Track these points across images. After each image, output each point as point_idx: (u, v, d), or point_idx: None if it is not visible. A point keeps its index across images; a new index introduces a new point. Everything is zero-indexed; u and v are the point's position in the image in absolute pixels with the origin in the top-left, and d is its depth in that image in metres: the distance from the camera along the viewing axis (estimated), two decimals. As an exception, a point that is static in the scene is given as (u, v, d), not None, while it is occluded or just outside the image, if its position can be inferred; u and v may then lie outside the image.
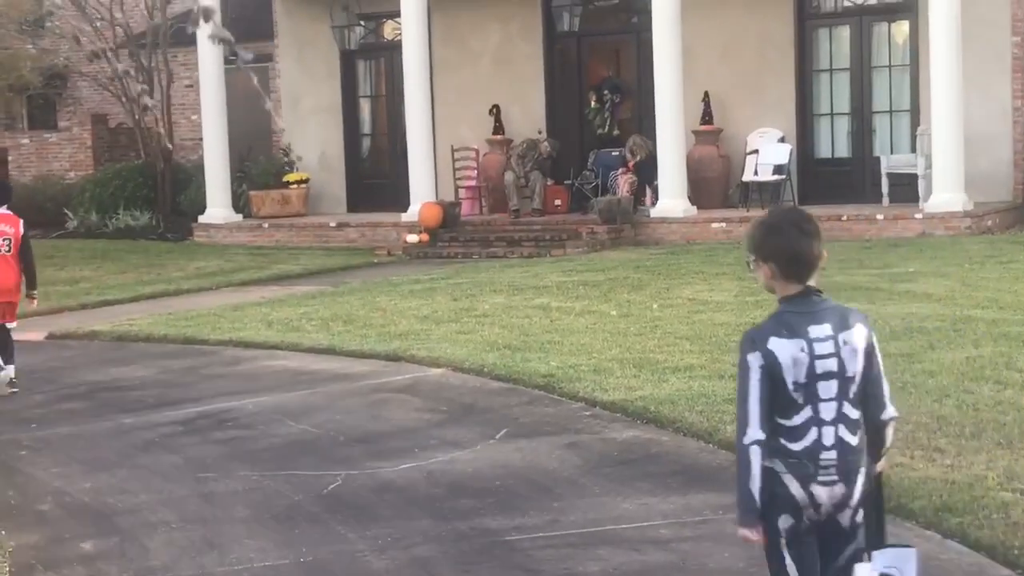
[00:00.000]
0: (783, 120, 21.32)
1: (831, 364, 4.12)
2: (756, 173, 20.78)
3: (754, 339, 4.17)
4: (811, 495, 4.11)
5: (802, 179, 21.14)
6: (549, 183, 22.17)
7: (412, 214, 21.35)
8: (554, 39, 23.33)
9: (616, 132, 22.88)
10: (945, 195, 18.54)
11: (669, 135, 20.02)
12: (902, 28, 20.91)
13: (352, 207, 24.64)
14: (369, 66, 25.31)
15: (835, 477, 4.11)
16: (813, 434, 4.11)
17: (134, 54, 25.68)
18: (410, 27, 21.60)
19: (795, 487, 4.12)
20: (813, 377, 4.11)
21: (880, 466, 4.30)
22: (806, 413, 4.12)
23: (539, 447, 8.32)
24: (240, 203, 23.90)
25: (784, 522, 4.14)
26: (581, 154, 23.07)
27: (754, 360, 4.12)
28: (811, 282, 4.20)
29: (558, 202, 22.17)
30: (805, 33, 21.42)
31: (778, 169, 20.59)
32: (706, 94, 21.34)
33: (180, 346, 12.94)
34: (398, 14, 22.08)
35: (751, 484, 4.08)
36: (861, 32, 21.10)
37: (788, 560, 4.16)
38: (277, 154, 25.42)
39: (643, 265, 16.78)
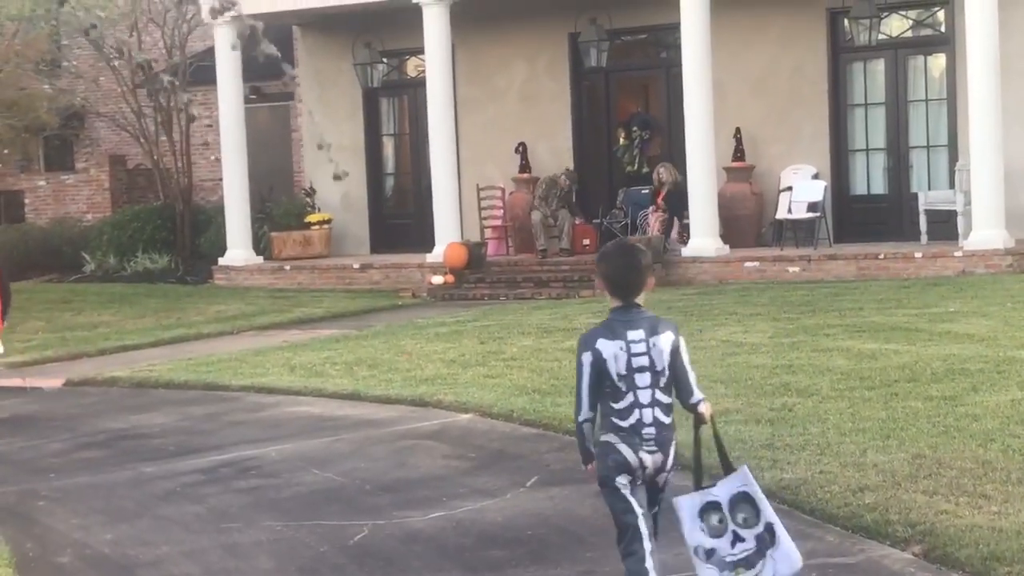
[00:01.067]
0: (817, 156, 21.31)
1: (644, 360, 5.50)
2: (790, 211, 20.75)
3: (586, 341, 5.55)
4: (640, 460, 5.53)
5: (837, 216, 21.11)
6: (577, 222, 22.19)
7: (437, 255, 21.38)
8: (581, 75, 23.39)
9: (645, 169, 22.90)
10: (985, 232, 18.47)
11: (700, 172, 20.02)
12: (939, 61, 20.91)
13: (376, 248, 24.71)
14: (392, 104, 25.43)
15: (655, 448, 5.52)
16: (636, 414, 5.51)
17: (152, 93, 25.90)
18: (434, 64, 21.70)
19: (628, 454, 5.53)
20: (631, 370, 5.49)
21: (704, 408, 5.63)
22: (629, 398, 5.51)
23: (571, 495, 8.29)
24: (261, 245, 23.97)
25: (622, 479, 5.54)
26: (610, 192, 23.10)
27: (586, 359, 5.52)
28: (639, 299, 5.57)
29: (587, 241, 22.16)
30: (839, 67, 21.42)
31: (812, 206, 20.56)
32: (738, 130, 21.36)
33: (201, 392, 12.95)
34: (422, 51, 22.19)
35: (586, 444, 5.62)
36: (896, 66, 21.09)
37: (629, 499, 5.55)
38: (299, 194, 25.54)
39: (675, 306, 16.72)
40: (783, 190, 21.03)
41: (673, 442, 5.56)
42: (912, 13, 21.18)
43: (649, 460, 5.51)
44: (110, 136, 29.43)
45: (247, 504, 8.62)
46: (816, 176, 21.08)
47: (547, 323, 15.86)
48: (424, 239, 22.37)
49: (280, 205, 24.96)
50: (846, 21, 21.05)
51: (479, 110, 23.77)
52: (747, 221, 21.38)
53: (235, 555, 7.52)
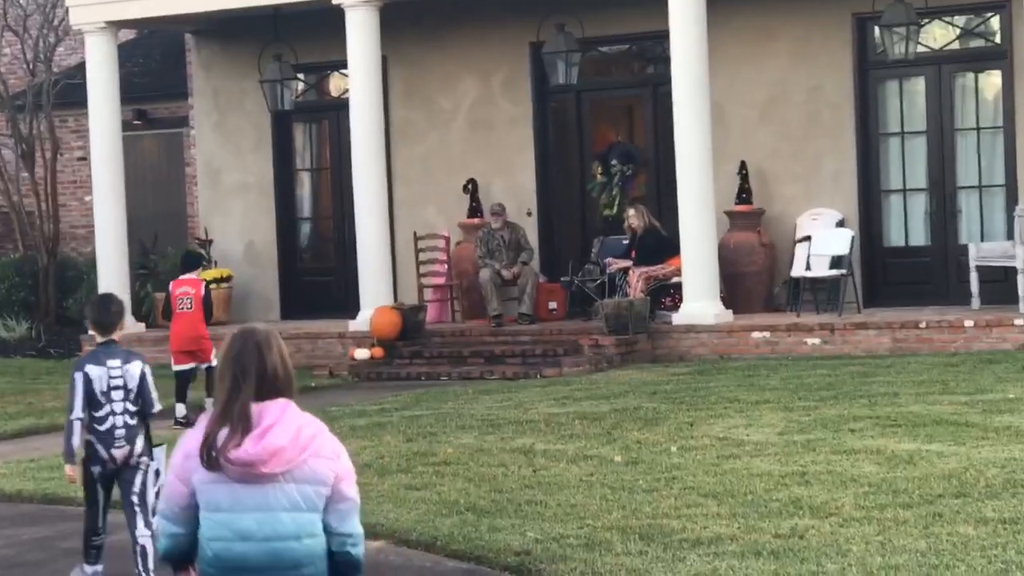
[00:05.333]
0: (842, 199, 20.99)
1: (119, 381, 9.09)
2: (808, 267, 20.35)
3: (79, 365, 9.18)
4: (111, 455, 9.13)
5: (867, 274, 20.81)
6: (542, 280, 21.61)
7: (363, 322, 20.93)
8: (547, 96, 23.00)
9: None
10: (1054, 295, 18.09)
11: (695, 218, 19.56)
12: (993, 79, 20.70)
13: (287, 312, 24.24)
14: (309, 131, 25.03)
15: (124, 443, 9.13)
16: (111, 420, 9.08)
17: (10, 118, 25.32)
18: (359, 81, 21.24)
19: (102, 450, 9.12)
20: (110, 388, 9.06)
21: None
22: (107, 409, 9.07)
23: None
24: (143, 308, 23.48)
25: (96, 468, 9.19)
26: (583, 242, 22.63)
27: (78, 377, 9.08)
28: (114, 336, 9.17)
29: (553, 305, 21.65)
30: (868, 88, 21.10)
31: (836, 261, 20.16)
32: (743, 165, 20.97)
33: (38, 507, 12.45)
34: (345, 65, 21.68)
35: (73, 440, 9.14)
36: (940, 85, 20.75)
37: (98, 488, 9.28)
38: (191, 244, 24.95)
39: (661, 390, 16.36)
40: (800, 240, 20.65)
41: (139, 437, 9.18)
42: (959, 20, 20.92)
43: (118, 453, 9.10)
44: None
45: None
46: (841, 223, 20.70)
47: (496, 413, 15.42)
48: (347, 302, 21.97)
49: (167, 258, 24.37)
50: (877, 29, 20.68)
51: (418, 139, 23.33)
52: (755, 279, 20.99)
53: None
